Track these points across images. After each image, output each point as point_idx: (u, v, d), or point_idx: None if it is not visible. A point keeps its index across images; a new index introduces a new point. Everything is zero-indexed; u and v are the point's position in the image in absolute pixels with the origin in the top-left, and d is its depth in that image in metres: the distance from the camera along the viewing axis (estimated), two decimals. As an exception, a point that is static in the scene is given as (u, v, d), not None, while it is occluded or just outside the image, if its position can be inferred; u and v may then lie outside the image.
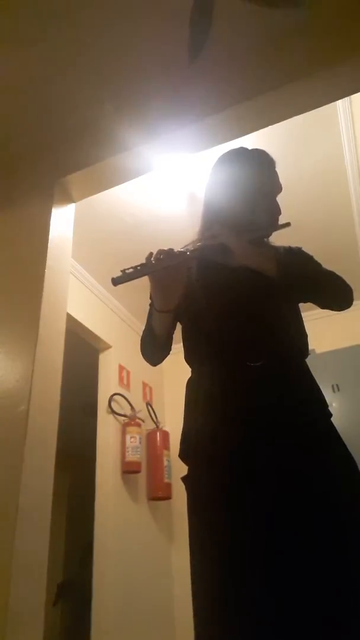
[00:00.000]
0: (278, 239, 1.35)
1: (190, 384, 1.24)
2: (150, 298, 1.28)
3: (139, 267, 1.16)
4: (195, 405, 1.18)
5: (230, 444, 1.07)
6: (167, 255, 1.16)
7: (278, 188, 1.35)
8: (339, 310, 1.22)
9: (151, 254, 1.17)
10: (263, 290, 1.18)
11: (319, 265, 1.25)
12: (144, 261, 1.17)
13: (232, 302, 1.20)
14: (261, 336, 1.15)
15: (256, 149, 1.37)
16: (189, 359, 1.27)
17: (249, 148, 1.39)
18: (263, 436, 1.05)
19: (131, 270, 1.15)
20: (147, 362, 1.37)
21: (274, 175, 1.34)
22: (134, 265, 1.16)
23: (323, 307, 1.22)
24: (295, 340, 1.22)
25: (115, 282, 1.15)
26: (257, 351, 1.12)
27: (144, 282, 1.22)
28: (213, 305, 1.22)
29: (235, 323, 1.17)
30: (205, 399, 1.15)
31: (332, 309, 1.23)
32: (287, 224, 1.26)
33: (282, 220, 1.33)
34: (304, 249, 1.30)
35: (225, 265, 1.24)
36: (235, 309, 1.19)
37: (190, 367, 1.27)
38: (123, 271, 1.15)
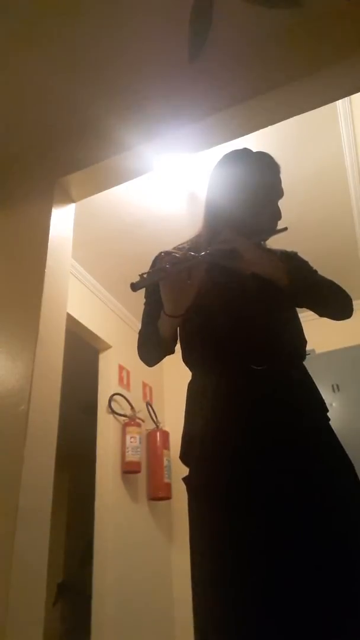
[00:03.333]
0: (278, 238, 1.35)
1: (191, 386, 1.23)
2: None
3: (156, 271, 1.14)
4: (197, 407, 1.18)
5: (231, 446, 1.07)
6: (181, 259, 1.13)
7: (280, 193, 1.35)
8: (340, 320, 1.23)
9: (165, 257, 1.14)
10: (268, 296, 1.18)
11: (315, 272, 1.28)
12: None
13: (238, 306, 1.20)
14: (265, 340, 1.16)
15: (261, 152, 1.36)
16: (188, 361, 1.27)
17: (253, 150, 1.38)
18: (264, 438, 1.06)
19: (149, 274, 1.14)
20: (146, 364, 1.34)
21: (278, 180, 1.34)
22: (145, 270, 1.14)
23: (322, 316, 1.23)
24: (296, 344, 1.22)
25: (135, 287, 1.10)
26: (261, 355, 1.13)
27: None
28: (219, 309, 1.21)
29: (240, 327, 1.17)
30: (208, 402, 1.15)
31: (332, 319, 1.24)
32: (285, 229, 1.27)
33: (282, 222, 1.33)
34: (303, 249, 1.31)
35: (232, 270, 1.24)
36: (241, 314, 1.19)
37: (189, 369, 1.26)
38: (141, 275, 1.12)
